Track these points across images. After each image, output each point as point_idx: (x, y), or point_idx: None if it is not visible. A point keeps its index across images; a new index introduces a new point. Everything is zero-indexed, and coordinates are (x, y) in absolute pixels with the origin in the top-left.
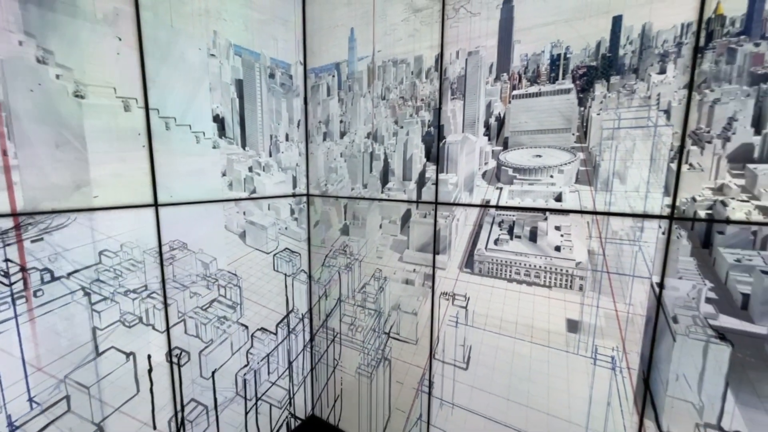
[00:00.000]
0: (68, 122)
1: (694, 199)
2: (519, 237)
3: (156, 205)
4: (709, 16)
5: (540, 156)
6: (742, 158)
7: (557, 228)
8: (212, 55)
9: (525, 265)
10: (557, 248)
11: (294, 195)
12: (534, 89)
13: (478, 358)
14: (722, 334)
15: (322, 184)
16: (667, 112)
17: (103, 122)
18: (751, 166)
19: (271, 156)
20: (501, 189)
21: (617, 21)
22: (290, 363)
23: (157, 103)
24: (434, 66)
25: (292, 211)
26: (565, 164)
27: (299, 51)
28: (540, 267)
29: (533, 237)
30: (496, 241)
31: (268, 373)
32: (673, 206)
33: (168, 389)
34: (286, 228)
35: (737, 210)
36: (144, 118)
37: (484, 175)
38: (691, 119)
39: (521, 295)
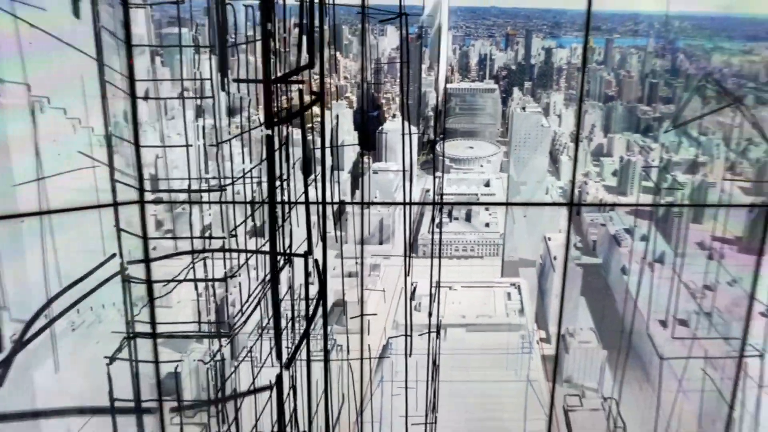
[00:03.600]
0: None
1: (572, 182)
2: (457, 219)
3: None
4: (587, 46)
5: (472, 147)
6: (598, 153)
7: (486, 208)
8: None
9: (462, 241)
10: (487, 224)
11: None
12: (465, 85)
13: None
14: (579, 265)
15: (199, 177)
16: (559, 117)
17: None
18: (602, 158)
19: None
20: (439, 178)
21: (529, 34)
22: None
23: None
24: (358, 41)
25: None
26: (493, 155)
27: None
28: (474, 241)
29: (468, 217)
30: (438, 225)
31: None
32: (571, 195)
33: None
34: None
35: (592, 188)
36: None
37: (422, 165)
38: (572, 123)
39: (460, 268)
